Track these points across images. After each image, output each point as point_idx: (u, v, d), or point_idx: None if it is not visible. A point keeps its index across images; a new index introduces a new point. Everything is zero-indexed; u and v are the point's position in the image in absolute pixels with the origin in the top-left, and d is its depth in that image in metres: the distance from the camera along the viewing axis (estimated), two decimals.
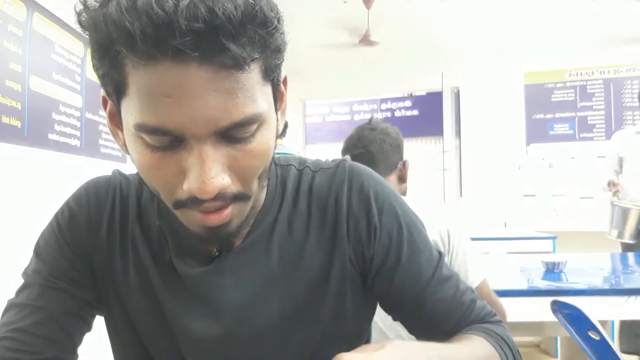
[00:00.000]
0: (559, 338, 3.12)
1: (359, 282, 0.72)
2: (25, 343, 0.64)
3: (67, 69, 3.11)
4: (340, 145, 1.71)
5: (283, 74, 0.62)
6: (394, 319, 0.75)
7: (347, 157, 0.76)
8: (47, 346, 0.65)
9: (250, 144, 0.55)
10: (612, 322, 2.47)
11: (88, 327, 0.71)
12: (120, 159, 4.22)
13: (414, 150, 6.68)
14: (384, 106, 6.91)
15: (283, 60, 0.58)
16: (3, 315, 0.67)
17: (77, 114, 3.41)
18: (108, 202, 0.72)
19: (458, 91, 6.12)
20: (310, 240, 0.70)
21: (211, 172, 0.52)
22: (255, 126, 0.55)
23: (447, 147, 6.09)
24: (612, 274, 2.07)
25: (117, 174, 0.75)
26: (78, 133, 3.48)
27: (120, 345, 0.75)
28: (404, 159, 1.66)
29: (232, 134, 0.54)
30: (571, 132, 5.76)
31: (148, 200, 0.72)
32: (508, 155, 5.59)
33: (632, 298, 1.77)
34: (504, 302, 1.81)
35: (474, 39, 5.32)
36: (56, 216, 0.72)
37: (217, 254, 0.68)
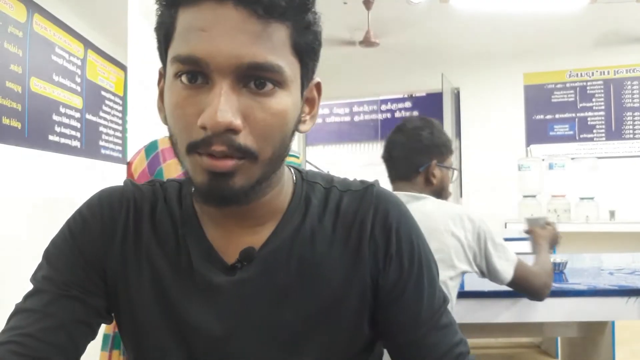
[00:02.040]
0: (559, 339, 3.12)
1: (373, 308, 0.73)
2: (31, 348, 0.64)
3: (67, 70, 3.12)
4: (340, 147, 1.70)
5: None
6: (384, 347, 0.78)
7: (377, 180, 0.78)
8: (53, 353, 0.65)
9: (267, 99, 0.59)
10: (613, 322, 2.46)
11: (93, 335, 0.71)
12: (120, 160, 4.22)
13: None
14: (384, 107, 6.91)
15: (315, 56, 0.65)
16: (10, 319, 0.67)
17: (78, 115, 3.41)
18: (122, 212, 0.72)
19: (458, 92, 6.13)
20: (332, 258, 0.70)
21: (225, 106, 0.56)
22: (275, 79, 0.59)
23: None
24: (613, 275, 2.07)
25: (130, 184, 0.76)
26: (78, 134, 3.47)
27: (132, 351, 0.74)
28: (439, 159, 1.60)
29: (253, 76, 0.58)
30: (571, 132, 5.76)
31: (163, 211, 0.73)
32: (508, 156, 5.58)
33: (633, 299, 1.77)
34: (503, 303, 1.82)
35: (473, 40, 5.32)
36: (68, 223, 0.72)
37: (238, 264, 0.69)
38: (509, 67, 5.81)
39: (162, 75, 0.67)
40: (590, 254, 2.50)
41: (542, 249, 1.76)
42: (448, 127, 6.15)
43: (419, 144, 1.58)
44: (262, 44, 0.57)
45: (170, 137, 0.63)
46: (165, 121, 0.65)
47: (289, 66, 0.60)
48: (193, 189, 0.67)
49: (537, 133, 5.84)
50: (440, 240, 1.43)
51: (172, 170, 1.36)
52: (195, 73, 0.58)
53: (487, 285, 1.69)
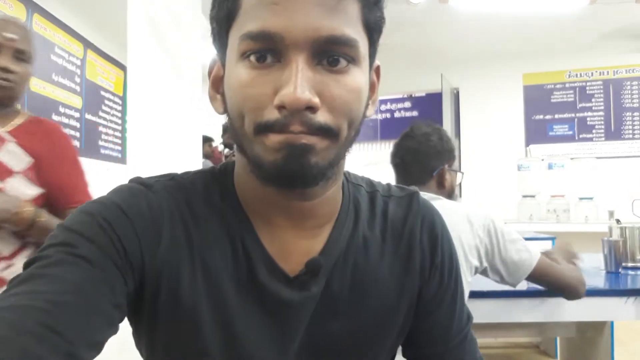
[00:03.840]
0: (558, 339, 3.12)
1: (410, 317, 0.72)
2: (65, 325, 0.50)
3: (66, 70, 3.11)
4: None
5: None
6: (406, 356, 0.76)
7: (416, 189, 0.76)
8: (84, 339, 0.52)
9: (342, 75, 0.56)
10: (612, 323, 2.47)
11: (116, 330, 0.58)
12: (120, 160, 4.23)
13: None
14: (383, 107, 6.91)
15: (379, 34, 0.62)
16: (22, 282, 0.53)
17: (77, 115, 3.41)
18: (164, 212, 0.62)
19: (457, 92, 6.13)
20: (384, 267, 0.68)
21: (304, 83, 0.53)
22: (350, 55, 0.56)
23: None
24: (611, 275, 2.07)
25: (156, 181, 0.65)
26: (78, 134, 3.47)
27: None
28: (449, 164, 1.67)
29: (328, 51, 0.55)
30: (570, 133, 5.77)
31: (206, 209, 0.64)
32: (507, 156, 5.58)
33: (632, 299, 1.77)
34: (503, 303, 1.82)
35: (473, 40, 5.32)
36: (99, 213, 0.59)
37: (303, 276, 0.63)
38: (509, 68, 5.82)
39: (215, 63, 0.63)
40: (589, 254, 2.50)
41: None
42: (448, 128, 6.16)
43: (431, 149, 1.65)
44: (338, 17, 0.54)
45: (231, 122, 0.58)
46: (221, 110, 0.62)
47: (362, 42, 0.58)
48: (255, 175, 0.59)
49: (536, 133, 5.84)
50: (457, 237, 1.45)
51: None
52: (265, 52, 0.55)
53: (487, 286, 1.69)
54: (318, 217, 0.64)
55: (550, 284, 1.57)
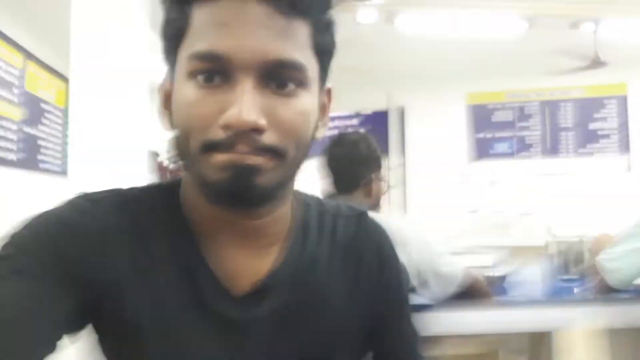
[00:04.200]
0: (501, 350, 3.20)
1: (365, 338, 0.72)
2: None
3: (4, 80, 2.98)
4: None
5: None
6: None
7: (366, 208, 0.77)
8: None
9: (290, 99, 0.56)
10: (555, 333, 2.56)
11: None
12: (60, 174, 4.07)
13: None
14: (331, 124, 6.94)
15: (330, 58, 0.62)
16: None
17: (14, 127, 3.27)
18: (111, 224, 0.61)
19: (403, 110, 6.27)
20: (332, 287, 0.68)
21: (250, 105, 0.53)
22: (299, 78, 0.56)
23: (392, 164, 6.19)
24: (550, 286, 2.15)
25: (106, 195, 0.64)
26: (15, 147, 3.33)
27: None
28: (376, 173, 1.66)
29: (276, 74, 0.55)
30: (510, 150, 6.00)
31: (151, 225, 0.63)
32: (452, 172, 5.74)
33: (570, 308, 1.85)
34: (448, 315, 1.85)
35: (418, 60, 5.47)
36: (42, 226, 0.59)
37: (250, 296, 0.62)
38: (453, 87, 6.01)
39: (165, 79, 0.63)
40: (530, 267, 2.60)
41: None
42: (393, 145, 6.28)
43: (359, 157, 1.62)
44: (287, 41, 0.55)
45: (178, 139, 0.58)
46: (169, 127, 0.61)
47: (311, 66, 0.58)
48: (201, 194, 0.59)
49: (479, 150, 6.04)
50: None
51: None
52: (213, 72, 0.55)
53: (427, 298, 1.72)
54: (267, 236, 0.64)
55: (473, 291, 1.64)
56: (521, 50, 5.16)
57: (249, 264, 0.63)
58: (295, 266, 0.65)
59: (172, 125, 0.60)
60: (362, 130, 1.70)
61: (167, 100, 0.62)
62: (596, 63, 4.79)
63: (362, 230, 0.72)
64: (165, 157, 5.13)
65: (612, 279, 1.61)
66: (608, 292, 1.72)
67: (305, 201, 0.71)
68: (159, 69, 0.66)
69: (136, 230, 0.62)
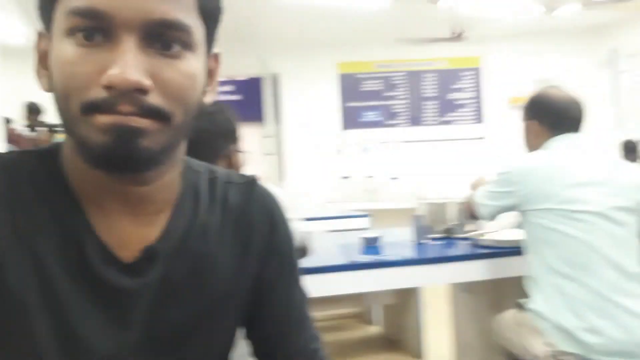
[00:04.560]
0: (377, 307, 3.42)
1: (250, 300, 0.73)
2: None
3: None
4: None
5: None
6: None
7: (256, 175, 0.76)
8: None
9: (176, 60, 0.55)
10: (421, 289, 2.78)
11: None
12: None
13: None
14: None
15: (216, 23, 0.62)
16: None
17: None
18: None
19: (278, 77, 6.28)
20: (223, 253, 0.68)
21: (133, 64, 0.51)
22: (184, 40, 0.55)
23: (268, 132, 6.22)
24: (420, 246, 2.32)
25: None
26: None
27: None
28: (234, 145, 1.64)
29: (161, 35, 0.53)
30: (379, 119, 6.30)
31: (33, 191, 0.60)
32: (326, 140, 5.90)
33: (437, 265, 2.02)
34: (328, 278, 1.93)
35: (292, 28, 5.48)
36: None
37: (139, 263, 0.61)
38: (325, 56, 6.12)
39: (41, 36, 0.59)
40: (398, 228, 2.77)
41: None
42: (269, 111, 6.29)
43: (217, 128, 1.60)
44: (171, 2, 0.53)
45: (57, 101, 0.54)
46: (48, 88, 0.57)
47: (197, 29, 0.57)
48: (82, 158, 0.56)
49: (351, 119, 6.26)
50: None
51: None
52: (94, 29, 0.51)
53: (312, 262, 1.77)
54: (155, 203, 0.63)
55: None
56: (388, 22, 5.39)
57: (137, 231, 0.62)
58: (184, 233, 0.64)
59: (51, 86, 0.56)
60: (219, 102, 1.66)
61: (44, 59, 0.58)
62: (455, 36, 5.15)
63: (253, 197, 0.72)
64: (18, 124, 4.66)
65: (479, 212, 1.82)
66: (475, 220, 2.06)
67: (194, 168, 0.71)
68: (7, 29, 0.60)
69: (15, 195, 0.58)
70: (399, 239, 2.46)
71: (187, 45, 0.55)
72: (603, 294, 1.53)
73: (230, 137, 1.62)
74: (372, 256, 2.08)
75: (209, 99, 0.64)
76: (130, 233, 0.61)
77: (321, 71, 6.18)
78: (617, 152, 4.58)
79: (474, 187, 2.03)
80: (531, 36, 6.02)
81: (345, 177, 5.24)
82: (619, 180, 1.63)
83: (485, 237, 2.20)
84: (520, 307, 1.72)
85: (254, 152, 1.73)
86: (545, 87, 1.86)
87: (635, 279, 1.58)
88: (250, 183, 0.74)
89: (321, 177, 5.61)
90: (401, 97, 6.32)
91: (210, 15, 0.60)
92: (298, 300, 0.77)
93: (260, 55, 5.65)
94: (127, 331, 0.61)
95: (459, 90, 6.37)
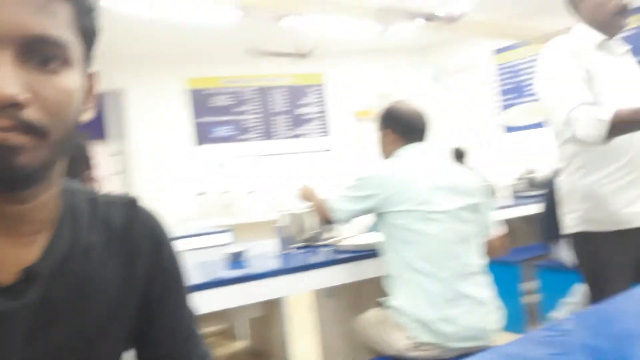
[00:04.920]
0: (243, 321, 3.40)
1: (137, 321, 0.72)
2: None
3: None
4: None
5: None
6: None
7: (137, 196, 0.76)
8: None
9: (54, 76, 0.55)
10: (285, 299, 2.82)
11: None
12: None
13: None
14: None
15: (94, 40, 0.63)
16: None
17: None
18: None
19: (122, 93, 5.98)
20: (107, 273, 0.67)
21: (8, 78, 0.50)
22: (62, 56, 0.55)
23: (113, 150, 5.89)
24: (284, 256, 2.37)
25: None
26: None
27: None
28: (88, 171, 1.59)
29: (38, 51, 0.53)
30: (233, 134, 6.31)
31: None
32: (179, 156, 5.75)
33: (301, 274, 2.08)
34: (194, 297, 1.89)
35: (136, 43, 5.28)
36: None
37: (17, 285, 0.59)
38: (174, 71, 5.99)
39: None
40: (262, 240, 2.81)
41: None
42: (113, 128, 5.96)
43: (76, 153, 1.57)
44: (49, 18, 0.54)
45: None
46: None
47: (75, 45, 0.58)
48: None
49: (204, 134, 6.18)
50: None
51: None
52: None
53: None
54: (33, 223, 0.61)
55: None
56: (236, 38, 5.43)
57: (14, 252, 0.60)
58: (66, 253, 0.63)
59: None
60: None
61: None
62: (300, 54, 5.36)
63: (137, 217, 0.73)
64: None
65: (334, 216, 1.91)
66: (329, 224, 2.09)
67: (72, 188, 0.69)
68: None
69: None
70: (263, 251, 2.49)
71: (65, 62, 0.56)
72: (453, 286, 1.71)
73: (84, 162, 1.56)
74: (239, 270, 2.09)
75: (85, 117, 0.63)
76: (7, 254, 0.59)
77: (170, 86, 6.02)
78: (449, 158, 5.12)
79: (305, 196, 2.12)
80: (371, 53, 6.49)
81: (201, 194, 5.15)
82: (463, 183, 1.85)
83: (344, 242, 2.32)
84: (381, 305, 1.85)
85: (104, 173, 1.67)
86: (396, 100, 2.04)
87: (478, 270, 1.79)
88: (132, 203, 0.74)
89: (175, 195, 5.45)
90: (252, 112, 6.40)
91: (88, 34, 0.60)
92: (187, 319, 0.78)
93: (101, 71, 5.34)
94: (7, 355, 0.58)
95: (306, 105, 6.63)
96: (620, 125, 1.54)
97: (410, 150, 1.90)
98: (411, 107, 1.98)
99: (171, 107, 6.05)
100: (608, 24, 1.75)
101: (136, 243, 0.71)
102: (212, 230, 3.82)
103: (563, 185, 1.85)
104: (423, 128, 1.94)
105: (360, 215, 1.92)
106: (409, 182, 1.79)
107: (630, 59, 1.85)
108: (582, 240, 1.79)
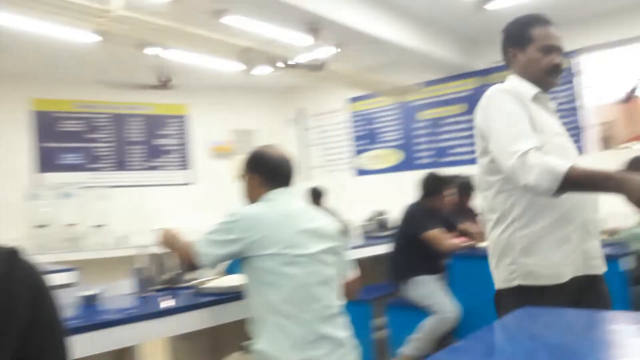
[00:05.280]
0: None
1: None
2: None
3: None
4: None
5: None
6: None
7: (17, 247, 0.73)
8: None
9: None
10: (138, 346, 2.66)
11: None
12: None
13: None
14: None
15: None
16: None
17: None
18: None
19: None
20: None
21: None
22: None
23: None
24: (142, 300, 2.24)
25: None
26: None
27: None
28: None
29: None
30: (81, 162, 5.88)
31: None
32: (13, 185, 5.19)
33: (161, 320, 1.98)
34: None
35: None
36: None
37: None
38: (16, 90, 5.46)
39: None
40: (116, 281, 2.62)
41: None
42: None
43: None
44: None
45: None
46: None
47: None
48: None
49: (48, 160, 5.68)
50: None
51: None
52: None
53: None
54: None
55: None
56: (93, 62, 5.15)
57: None
58: None
59: None
60: None
61: None
62: (161, 84, 5.23)
63: (14, 268, 0.71)
64: None
65: (200, 261, 1.87)
66: (194, 270, 2.05)
67: None
68: None
69: None
70: (119, 294, 2.33)
71: None
72: (314, 328, 1.76)
73: None
74: (92, 317, 1.93)
75: None
76: None
77: (10, 106, 5.47)
78: (306, 198, 5.29)
79: (166, 243, 2.05)
80: (233, 90, 6.53)
81: (41, 226, 4.69)
82: (324, 227, 1.93)
83: (206, 284, 2.27)
84: (244, 349, 1.84)
85: None
86: (262, 145, 2.08)
87: (337, 311, 1.87)
88: (12, 253, 0.72)
89: (9, 227, 4.89)
90: (105, 139, 6.05)
91: None
92: None
93: None
94: None
95: (165, 136, 6.44)
96: (574, 181, 1.48)
97: (278, 195, 1.95)
98: (278, 152, 2.03)
99: (11, 128, 5.49)
100: (540, 80, 1.76)
101: (14, 294, 0.69)
102: (53, 268, 3.47)
103: (497, 237, 1.72)
104: (289, 173, 2.00)
105: (227, 259, 1.91)
106: (276, 226, 1.83)
107: (558, 118, 1.86)
108: (519, 295, 1.66)
